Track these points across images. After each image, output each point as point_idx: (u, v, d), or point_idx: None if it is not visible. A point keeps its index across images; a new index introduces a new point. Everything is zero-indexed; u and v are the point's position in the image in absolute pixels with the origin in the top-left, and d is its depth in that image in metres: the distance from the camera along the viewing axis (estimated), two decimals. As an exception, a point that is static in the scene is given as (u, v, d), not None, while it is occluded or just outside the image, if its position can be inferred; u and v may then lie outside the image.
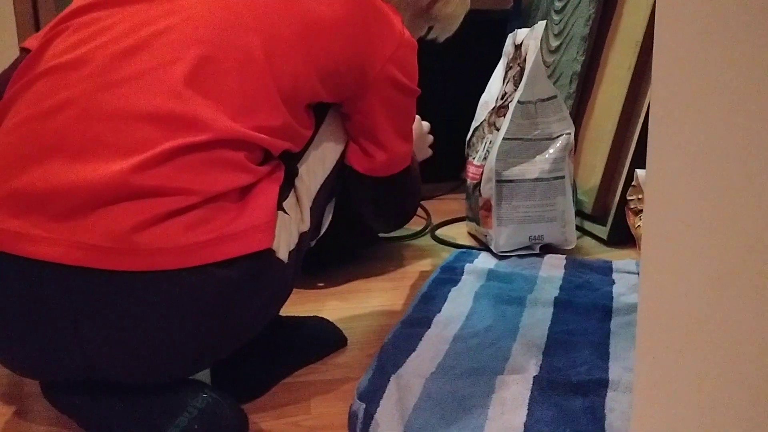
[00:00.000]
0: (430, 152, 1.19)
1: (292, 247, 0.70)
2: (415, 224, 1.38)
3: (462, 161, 1.32)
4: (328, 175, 0.80)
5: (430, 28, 0.98)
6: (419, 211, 1.47)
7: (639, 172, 1.16)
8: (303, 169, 0.76)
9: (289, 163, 0.73)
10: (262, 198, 0.65)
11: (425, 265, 1.17)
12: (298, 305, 0.98)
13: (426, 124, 1.14)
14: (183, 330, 0.61)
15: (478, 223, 1.21)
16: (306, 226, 0.74)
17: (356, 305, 0.99)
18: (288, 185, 0.72)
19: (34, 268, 0.58)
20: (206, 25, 0.65)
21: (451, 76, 1.64)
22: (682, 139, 0.44)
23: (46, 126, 0.61)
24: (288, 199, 0.71)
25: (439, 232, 1.33)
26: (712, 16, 0.41)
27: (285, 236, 0.68)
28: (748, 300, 0.41)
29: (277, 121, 0.68)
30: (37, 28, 1.68)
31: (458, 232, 1.34)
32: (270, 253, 0.65)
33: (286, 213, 0.70)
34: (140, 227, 0.57)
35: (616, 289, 0.97)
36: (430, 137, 1.16)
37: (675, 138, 0.44)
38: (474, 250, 1.19)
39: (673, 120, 0.45)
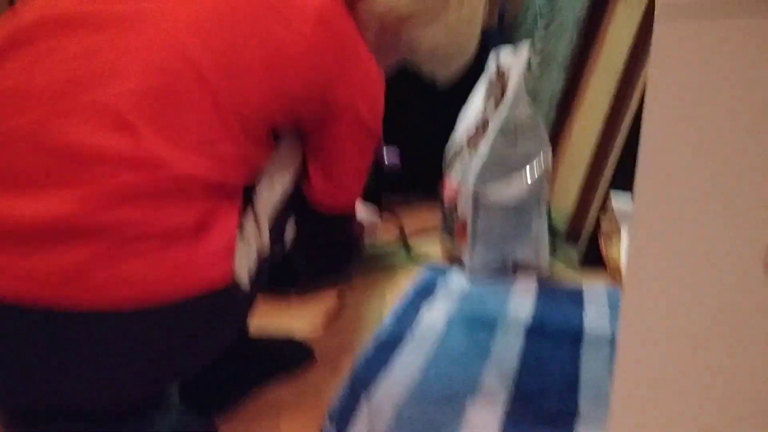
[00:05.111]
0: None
1: (252, 269, 0.68)
2: (388, 236, 1.38)
3: (438, 172, 1.32)
4: (287, 189, 0.78)
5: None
6: (394, 221, 1.46)
7: (613, 196, 1.18)
8: (261, 186, 0.74)
9: (247, 179, 0.71)
10: (221, 227, 0.63)
11: (399, 280, 1.16)
12: (268, 318, 0.98)
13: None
14: (143, 362, 0.59)
15: (453, 241, 1.21)
16: (265, 245, 0.72)
17: (326, 321, 0.99)
18: (246, 205, 0.70)
19: None
20: (163, 52, 0.62)
21: (430, 87, 1.64)
22: (669, 185, 0.44)
23: None
24: (246, 218, 0.70)
25: (412, 245, 1.33)
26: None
27: (245, 260, 0.67)
28: (730, 346, 0.41)
29: (236, 151, 0.65)
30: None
31: (432, 247, 1.34)
32: (230, 281, 0.63)
33: (244, 234, 0.68)
34: (95, 260, 0.55)
35: (587, 317, 0.98)
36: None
37: (662, 182, 0.45)
38: (448, 268, 1.19)
39: (660, 164, 0.45)
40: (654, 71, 0.45)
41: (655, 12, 0.45)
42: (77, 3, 0.64)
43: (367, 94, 0.77)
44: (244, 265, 0.66)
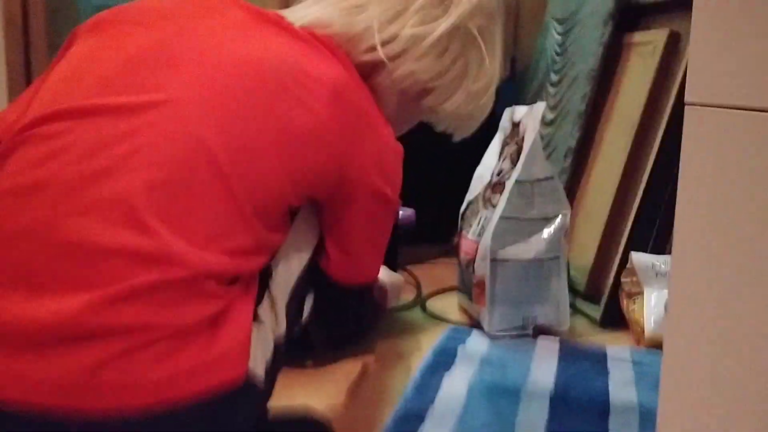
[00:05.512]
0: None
1: (269, 356, 0.66)
2: (406, 295, 1.36)
3: (453, 224, 1.30)
4: (304, 267, 0.75)
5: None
6: (411, 279, 1.45)
7: (634, 254, 1.16)
8: (277, 268, 0.72)
9: (263, 266, 0.69)
10: (235, 322, 0.61)
11: (417, 342, 1.14)
12: (285, 389, 0.95)
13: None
14: None
15: (470, 299, 1.19)
16: (282, 329, 0.70)
17: (345, 391, 0.96)
18: (261, 287, 0.68)
19: None
20: (176, 143, 0.61)
21: (442, 137, 1.63)
22: (705, 265, 0.44)
23: (3, 255, 0.57)
24: (262, 304, 0.68)
25: (430, 304, 1.31)
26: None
27: (261, 349, 0.65)
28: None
29: (252, 241, 0.64)
30: (28, 78, 1.66)
31: (449, 304, 1.32)
32: (245, 379, 0.61)
33: (261, 322, 0.66)
34: (104, 364, 0.54)
35: (612, 383, 0.95)
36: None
37: (698, 258, 0.44)
38: (466, 328, 1.17)
39: (695, 240, 0.45)
40: (685, 153, 0.46)
41: (685, 96, 0.46)
42: (90, 95, 0.63)
43: (384, 167, 0.75)
44: (259, 358, 0.64)
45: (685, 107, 0.46)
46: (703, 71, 0.44)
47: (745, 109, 0.41)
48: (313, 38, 0.74)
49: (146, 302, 0.56)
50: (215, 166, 0.61)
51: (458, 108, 0.85)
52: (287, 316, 0.72)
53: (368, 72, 0.80)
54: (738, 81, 0.41)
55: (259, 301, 0.67)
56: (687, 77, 0.45)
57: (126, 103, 0.62)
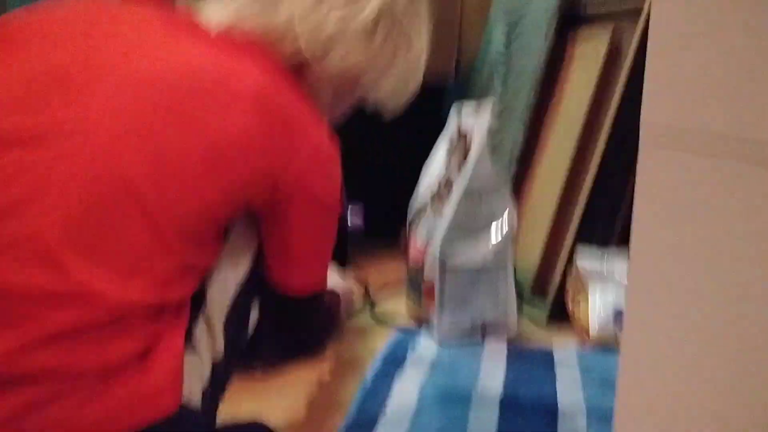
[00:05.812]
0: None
1: (206, 383, 0.64)
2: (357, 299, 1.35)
3: (400, 223, 1.30)
4: (243, 281, 0.72)
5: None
6: (361, 279, 1.44)
7: (577, 254, 1.18)
8: (212, 288, 0.69)
9: (193, 289, 0.66)
10: (164, 351, 0.59)
11: (366, 347, 1.14)
12: (233, 401, 0.94)
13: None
14: None
15: (419, 305, 1.20)
16: (220, 351, 0.68)
17: (296, 399, 0.96)
18: (195, 310, 0.65)
19: None
20: (91, 169, 0.57)
21: (386, 132, 1.63)
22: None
23: None
24: (196, 328, 0.65)
25: (379, 305, 1.31)
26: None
27: (196, 378, 0.63)
28: (735, 414, 0.41)
29: (178, 263, 0.61)
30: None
31: (398, 304, 1.32)
32: (178, 407, 0.59)
33: (194, 347, 0.64)
34: (28, 410, 0.51)
35: (560, 387, 0.97)
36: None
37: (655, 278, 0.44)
38: (415, 333, 1.18)
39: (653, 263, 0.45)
40: (640, 193, 0.46)
41: (640, 140, 0.46)
42: None
43: (319, 169, 0.72)
44: (195, 384, 0.62)
45: (641, 126, 0.46)
46: (659, 92, 0.44)
47: (695, 153, 0.41)
48: (231, 44, 0.70)
49: (68, 344, 0.53)
50: (134, 191, 0.58)
51: (391, 87, 0.84)
52: (227, 332, 0.70)
53: (298, 64, 0.77)
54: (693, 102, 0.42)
55: (192, 325, 0.65)
56: (643, 97, 0.45)
57: (36, 133, 0.57)
